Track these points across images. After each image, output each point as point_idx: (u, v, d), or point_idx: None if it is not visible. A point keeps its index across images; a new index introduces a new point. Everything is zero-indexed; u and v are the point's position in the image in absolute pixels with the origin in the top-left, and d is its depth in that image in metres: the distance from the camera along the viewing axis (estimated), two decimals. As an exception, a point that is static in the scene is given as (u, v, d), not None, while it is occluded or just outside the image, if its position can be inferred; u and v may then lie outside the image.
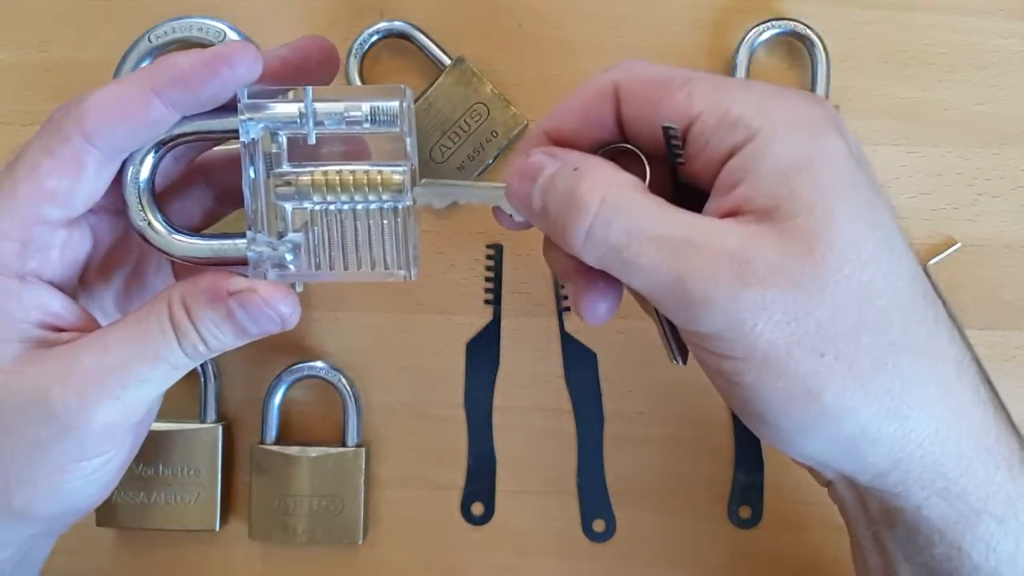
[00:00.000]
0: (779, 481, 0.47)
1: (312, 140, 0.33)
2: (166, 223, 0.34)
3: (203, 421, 0.46)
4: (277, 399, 0.47)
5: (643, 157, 0.32)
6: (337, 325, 0.48)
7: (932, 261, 0.46)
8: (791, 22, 0.45)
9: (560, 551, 0.48)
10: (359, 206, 0.33)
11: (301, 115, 0.32)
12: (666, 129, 0.30)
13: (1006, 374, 0.46)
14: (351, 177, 0.33)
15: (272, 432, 0.47)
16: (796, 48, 0.47)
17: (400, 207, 0.33)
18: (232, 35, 0.45)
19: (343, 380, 0.47)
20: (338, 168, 0.33)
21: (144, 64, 0.45)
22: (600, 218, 0.29)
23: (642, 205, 0.30)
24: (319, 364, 0.47)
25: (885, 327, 0.29)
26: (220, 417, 0.47)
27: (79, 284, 0.35)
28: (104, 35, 0.47)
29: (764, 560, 0.47)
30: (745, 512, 0.47)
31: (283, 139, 0.33)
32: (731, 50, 0.46)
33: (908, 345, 0.29)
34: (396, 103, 0.32)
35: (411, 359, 0.48)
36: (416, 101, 0.46)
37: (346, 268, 0.34)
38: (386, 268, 0.34)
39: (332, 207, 0.33)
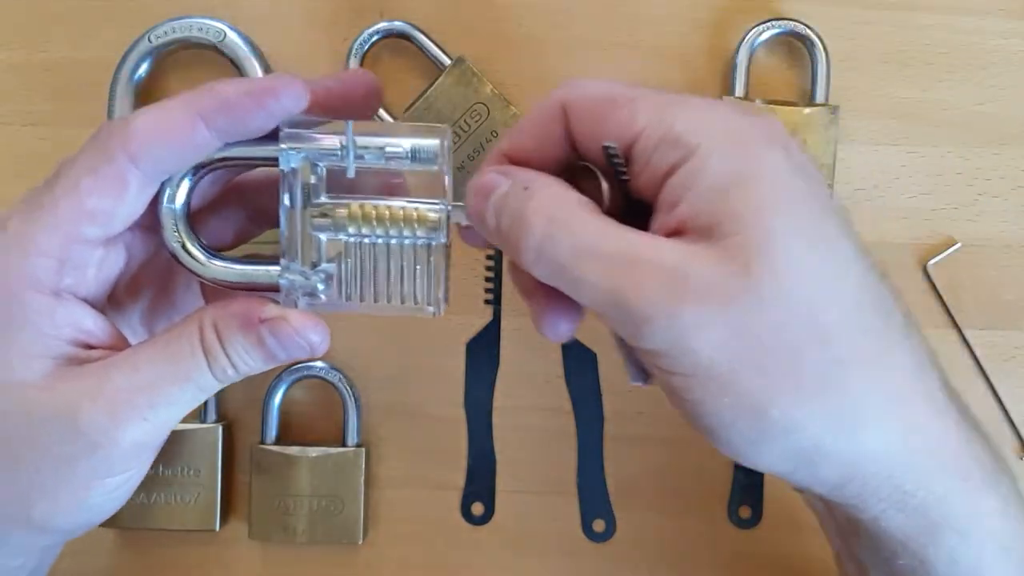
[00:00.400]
0: (779, 481, 0.47)
1: (351, 174, 0.33)
2: (199, 246, 0.34)
3: (203, 421, 0.46)
4: (277, 399, 0.47)
5: (598, 174, 0.32)
6: (337, 325, 0.48)
7: (932, 261, 0.46)
8: (791, 22, 0.45)
9: (560, 551, 0.48)
10: (393, 241, 0.33)
11: (342, 148, 0.33)
12: (606, 148, 0.30)
13: (1006, 374, 0.47)
14: (387, 212, 0.33)
15: (272, 432, 0.47)
16: (796, 48, 0.47)
17: (434, 244, 0.33)
18: (232, 35, 0.45)
19: (343, 380, 0.47)
20: (375, 203, 0.33)
21: (144, 65, 0.45)
22: (546, 236, 0.30)
23: (586, 223, 0.30)
24: (319, 364, 0.47)
25: (830, 342, 0.29)
26: (220, 417, 0.47)
27: (108, 300, 0.35)
28: (104, 35, 0.47)
29: (764, 560, 0.47)
30: (745, 512, 0.47)
31: (322, 170, 0.33)
32: (731, 50, 0.46)
33: (856, 359, 0.29)
34: (437, 142, 0.32)
35: (411, 359, 0.48)
36: (416, 101, 0.46)
37: (376, 300, 0.34)
38: (416, 303, 0.34)
39: (366, 240, 0.33)
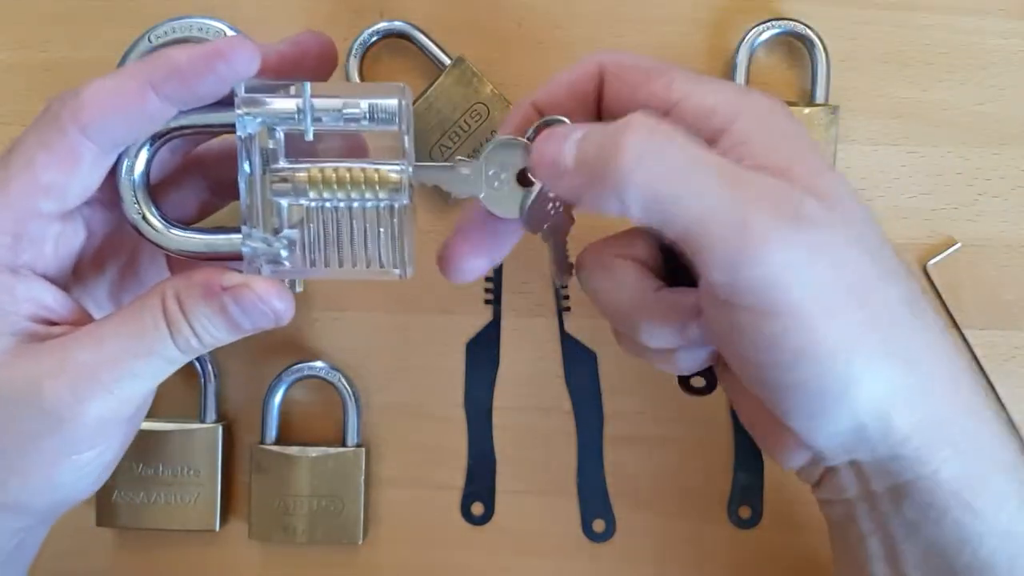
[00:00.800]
0: (779, 481, 0.47)
1: (309, 136, 0.33)
2: (161, 217, 0.34)
3: (203, 421, 0.46)
4: (277, 399, 0.47)
5: None
6: (337, 325, 0.48)
7: (932, 261, 0.46)
8: (791, 22, 0.45)
9: (560, 551, 0.48)
10: (355, 204, 0.33)
11: (299, 111, 0.32)
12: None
13: (1006, 374, 0.47)
14: (348, 174, 0.32)
15: (272, 432, 0.47)
16: (796, 48, 0.47)
17: (397, 206, 0.33)
18: (232, 35, 0.45)
19: (343, 380, 0.47)
20: (335, 165, 0.33)
21: (143, 63, 0.45)
22: (648, 150, 0.28)
23: (691, 139, 0.29)
24: (319, 364, 0.47)
25: (896, 279, 0.30)
26: (220, 417, 0.47)
27: (72, 275, 0.35)
28: (104, 35, 0.47)
29: (764, 560, 0.47)
30: (745, 512, 0.47)
31: (280, 135, 0.33)
32: (731, 50, 0.46)
33: (915, 298, 0.30)
34: (395, 101, 0.32)
35: (411, 359, 0.48)
36: (416, 101, 0.46)
37: (341, 265, 0.33)
38: (381, 266, 0.33)
39: (328, 204, 0.33)
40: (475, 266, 0.34)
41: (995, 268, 0.47)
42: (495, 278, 0.47)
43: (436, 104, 0.46)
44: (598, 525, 0.47)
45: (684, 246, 0.29)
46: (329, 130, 0.33)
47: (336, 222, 0.33)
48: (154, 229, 0.34)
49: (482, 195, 0.33)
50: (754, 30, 0.45)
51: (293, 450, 0.46)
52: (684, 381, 0.38)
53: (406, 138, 0.33)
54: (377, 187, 0.33)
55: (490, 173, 0.33)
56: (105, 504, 0.46)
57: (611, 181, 0.28)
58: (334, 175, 0.32)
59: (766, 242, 0.27)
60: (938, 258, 0.46)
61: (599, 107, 0.33)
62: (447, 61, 0.46)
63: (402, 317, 0.48)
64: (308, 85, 0.32)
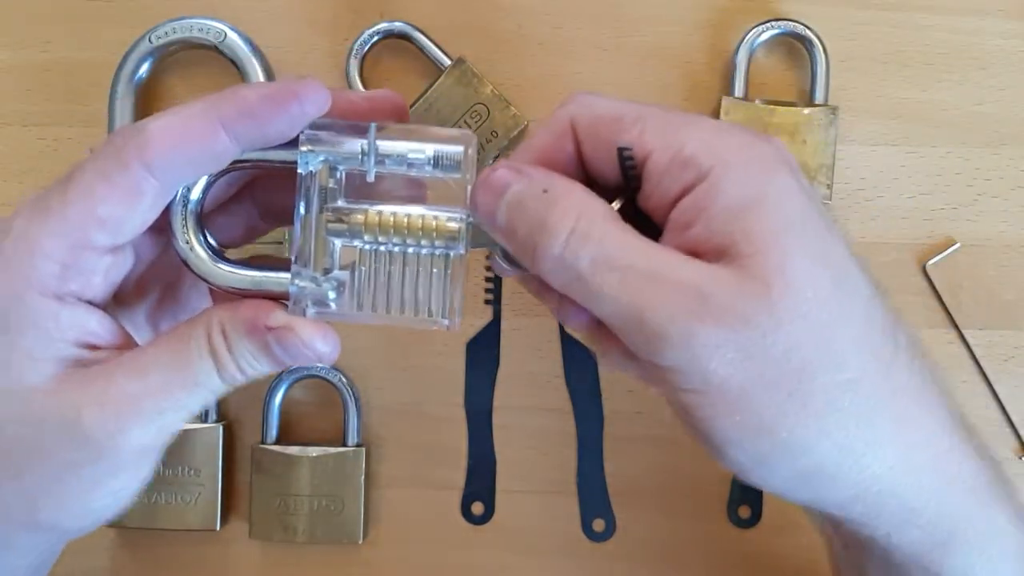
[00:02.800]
0: (779, 481, 0.47)
1: (371, 178, 0.32)
2: (210, 251, 0.33)
3: (203, 421, 0.47)
4: (277, 399, 0.47)
5: (610, 190, 0.32)
6: (337, 325, 0.48)
7: (932, 261, 0.47)
8: (791, 22, 0.45)
9: (560, 551, 0.48)
10: (410, 250, 0.32)
11: (362, 152, 0.32)
12: (621, 151, 0.30)
13: (1006, 374, 0.47)
14: (406, 220, 0.32)
15: (272, 432, 0.47)
16: (796, 48, 0.47)
17: (452, 255, 0.32)
18: (233, 36, 0.45)
19: (343, 380, 0.47)
20: (394, 210, 0.32)
21: (145, 65, 0.45)
22: (570, 246, 0.29)
23: (611, 235, 0.30)
24: (319, 364, 0.47)
25: (840, 365, 0.29)
26: (220, 417, 0.47)
27: (114, 297, 0.35)
28: (104, 35, 0.47)
29: (764, 560, 0.47)
30: (745, 512, 0.47)
31: (341, 174, 0.32)
32: (731, 50, 0.46)
33: (864, 382, 0.29)
34: (460, 149, 0.31)
35: (411, 359, 0.48)
36: (416, 102, 0.46)
37: (388, 311, 0.32)
38: (430, 315, 0.32)
39: (382, 248, 0.32)
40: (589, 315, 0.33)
41: (995, 268, 0.47)
42: (495, 278, 0.47)
43: (436, 105, 0.46)
44: (598, 525, 0.48)
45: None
46: (391, 173, 0.32)
47: (388, 267, 0.32)
48: (203, 263, 0.33)
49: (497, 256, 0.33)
50: (754, 30, 0.45)
51: (293, 450, 0.46)
52: None
53: (469, 187, 0.32)
54: (434, 235, 0.32)
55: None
56: (105, 504, 0.46)
57: (536, 266, 0.30)
58: (392, 220, 0.32)
59: (666, 339, 0.28)
60: (938, 258, 0.47)
61: (581, 159, 0.33)
62: (447, 62, 0.46)
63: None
64: (374, 126, 0.32)
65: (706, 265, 0.29)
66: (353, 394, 0.47)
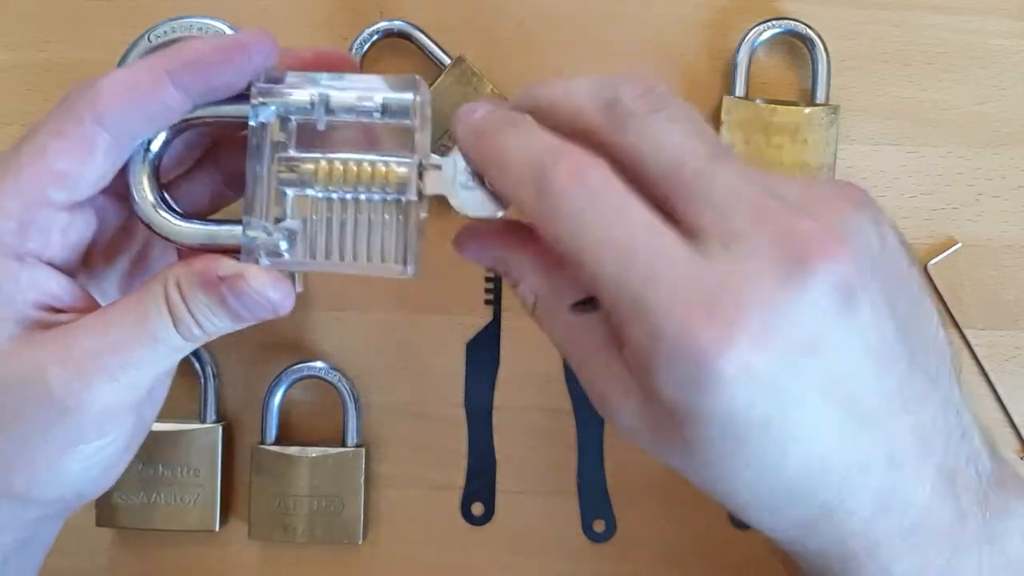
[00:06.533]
0: (779, 481, 0.47)
1: (321, 127, 0.32)
2: (166, 207, 0.33)
3: (203, 421, 0.46)
4: (277, 399, 0.47)
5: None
6: (337, 325, 0.48)
7: (932, 261, 0.46)
8: (791, 22, 0.45)
9: (560, 551, 0.48)
10: (362, 196, 0.32)
11: (312, 102, 0.32)
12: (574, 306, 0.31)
13: (1006, 374, 0.47)
14: (356, 167, 0.32)
15: (272, 432, 0.47)
16: (796, 48, 0.47)
17: (403, 200, 0.32)
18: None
19: (343, 380, 0.47)
20: (344, 157, 0.32)
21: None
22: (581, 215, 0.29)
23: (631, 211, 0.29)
24: (319, 364, 0.47)
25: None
26: (220, 417, 0.47)
27: (83, 265, 0.35)
28: (104, 35, 0.47)
29: (764, 560, 0.47)
30: (745, 512, 0.47)
31: (292, 125, 0.32)
32: (731, 50, 0.46)
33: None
34: (409, 96, 0.32)
35: (411, 359, 0.48)
36: (416, 101, 0.46)
37: (342, 258, 0.33)
38: (383, 261, 0.32)
39: (335, 196, 0.32)
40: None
41: (995, 268, 0.47)
42: (495, 278, 0.47)
43: (436, 104, 0.45)
44: (598, 525, 0.47)
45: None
46: (342, 122, 0.32)
47: (340, 215, 0.32)
48: (155, 215, 0.33)
49: (453, 200, 0.33)
50: (754, 30, 0.45)
51: (293, 450, 0.46)
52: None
53: (417, 134, 0.32)
54: (385, 181, 0.32)
55: (460, 171, 0.32)
56: (105, 504, 0.46)
57: (529, 212, 0.29)
58: (342, 168, 0.32)
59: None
60: (938, 258, 0.46)
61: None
62: (447, 61, 0.46)
63: (402, 317, 0.48)
64: (323, 76, 0.32)
65: (639, 402, 0.29)
66: (353, 394, 0.47)
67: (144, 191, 0.33)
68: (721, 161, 0.28)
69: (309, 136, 0.32)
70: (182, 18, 0.45)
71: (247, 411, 0.48)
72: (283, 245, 0.32)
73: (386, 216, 0.32)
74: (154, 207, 0.33)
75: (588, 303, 0.31)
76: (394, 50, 0.47)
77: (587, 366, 0.31)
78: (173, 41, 0.45)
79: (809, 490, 0.28)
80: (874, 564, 0.29)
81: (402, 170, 0.32)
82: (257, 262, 0.32)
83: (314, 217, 0.32)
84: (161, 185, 0.34)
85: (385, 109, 0.32)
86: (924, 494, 0.29)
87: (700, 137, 0.29)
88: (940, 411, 0.29)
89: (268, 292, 0.32)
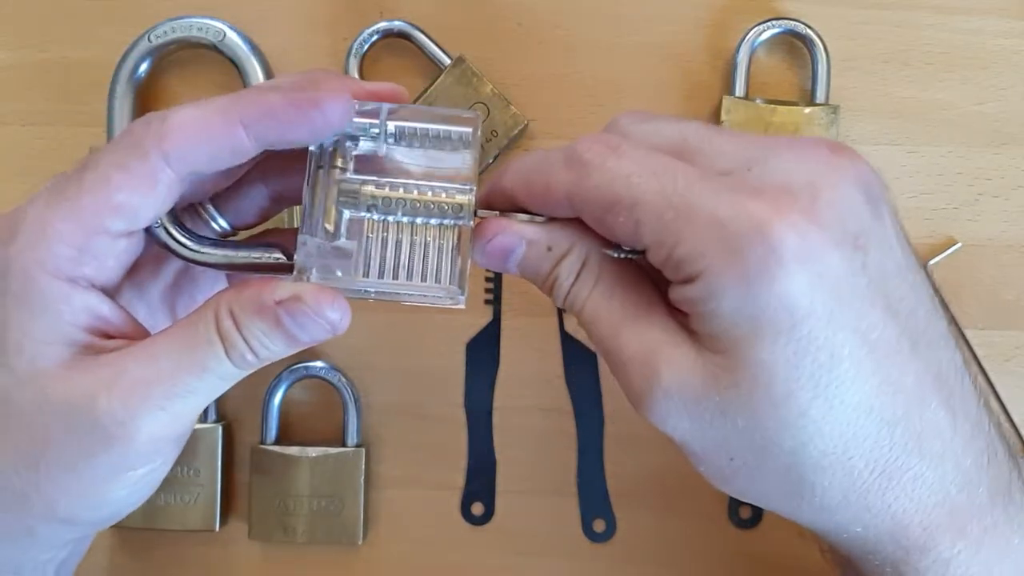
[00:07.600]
0: (779, 481, 0.47)
1: (381, 153, 0.33)
2: (182, 229, 0.34)
3: (203, 421, 0.46)
4: (277, 399, 0.47)
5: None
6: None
7: (932, 261, 0.46)
8: (791, 22, 0.45)
9: (560, 551, 0.48)
10: (418, 220, 0.33)
11: (374, 130, 0.33)
12: (617, 249, 0.32)
13: (1006, 374, 0.47)
14: (415, 193, 0.33)
15: (272, 432, 0.47)
16: (796, 48, 0.47)
17: (457, 227, 0.33)
18: (232, 35, 0.45)
19: (343, 380, 0.47)
20: (403, 183, 0.33)
21: (144, 65, 0.45)
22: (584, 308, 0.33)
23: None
24: (319, 364, 0.47)
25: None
26: (220, 417, 0.47)
27: (127, 278, 0.35)
28: (104, 35, 0.47)
29: (764, 560, 0.47)
30: (745, 512, 0.47)
31: (352, 151, 0.33)
32: (731, 50, 0.46)
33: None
34: (469, 130, 0.33)
35: (411, 359, 0.48)
36: (416, 100, 0.46)
37: (396, 277, 0.33)
38: (437, 282, 0.33)
39: (390, 219, 0.33)
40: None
41: (995, 268, 0.47)
42: (495, 278, 0.47)
43: (436, 104, 0.46)
44: (598, 525, 0.47)
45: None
46: (401, 150, 0.33)
47: (395, 239, 0.33)
48: (174, 242, 0.34)
49: None
50: (754, 30, 0.45)
51: (293, 450, 0.46)
52: None
53: (475, 164, 0.33)
54: (441, 208, 0.33)
55: None
56: (105, 504, 0.46)
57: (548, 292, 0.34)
58: (400, 192, 0.33)
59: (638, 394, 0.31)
60: (938, 258, 0.46)
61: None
62: (447, 61, 0.46)
63: (402, 317, 0.48)
64: (386, 107, 0.33)
65: (693, 351, 0.30)
66: (353, 394, 0.47)
67: (163, 221, 0.33)
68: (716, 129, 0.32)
69: (367, 160, 0.33)
70: (182, 18, 0.45)
71: (247, 411, 0.48)
72: (337, 264, 0.33)
73: (440, 241, 0.33)
74: (167, 231, 0.33)
75: (632, 251, 0.32)
76: (394, 50, 0.47)
77: (627, 331, 0.31)
78: (173, 41, 0.45)
79: (868, 425, 0.29)
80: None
81: (460, 197, 0.33)
82: (308, 281, 0.33)
83: (368, 238, 0.33)
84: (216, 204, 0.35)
85: (444, 139, 0.33)
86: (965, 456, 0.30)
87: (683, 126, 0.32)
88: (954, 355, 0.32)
89: (327, 311, 0.31)
